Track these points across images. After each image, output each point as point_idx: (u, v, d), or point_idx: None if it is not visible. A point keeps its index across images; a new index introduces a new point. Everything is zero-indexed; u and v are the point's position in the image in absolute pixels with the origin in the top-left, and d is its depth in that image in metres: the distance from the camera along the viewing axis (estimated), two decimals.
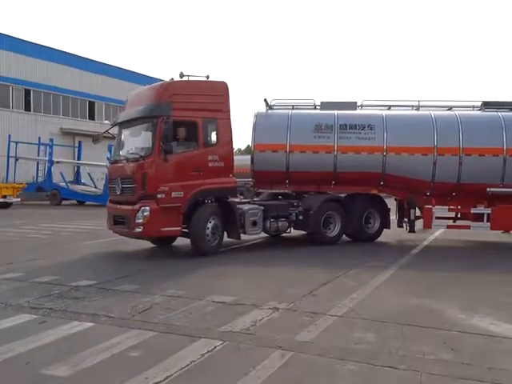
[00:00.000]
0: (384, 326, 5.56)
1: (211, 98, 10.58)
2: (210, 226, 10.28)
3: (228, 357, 4.67)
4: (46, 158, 30.34)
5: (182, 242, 11.35)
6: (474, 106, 12.88)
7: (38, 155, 31.39)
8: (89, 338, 5.19)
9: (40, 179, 31.06)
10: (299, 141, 12.30)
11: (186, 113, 10.17)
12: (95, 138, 11.52)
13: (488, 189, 11.83)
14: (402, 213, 13.44)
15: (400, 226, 13.52)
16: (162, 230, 9.92)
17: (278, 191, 13.34)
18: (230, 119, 10.82)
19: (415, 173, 12.07)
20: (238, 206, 10.98)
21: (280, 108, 13.11)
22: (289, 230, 12.13)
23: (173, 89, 10.16)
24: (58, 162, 30.09)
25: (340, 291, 7.21)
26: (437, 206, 12.17)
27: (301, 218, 11.96)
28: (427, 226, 12.13)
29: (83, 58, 40.09)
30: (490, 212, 11.86)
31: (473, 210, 12.03)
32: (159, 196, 9.77)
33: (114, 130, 11.54)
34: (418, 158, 12.00)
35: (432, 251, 11.73)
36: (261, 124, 12.60)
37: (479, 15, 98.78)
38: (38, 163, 31.68)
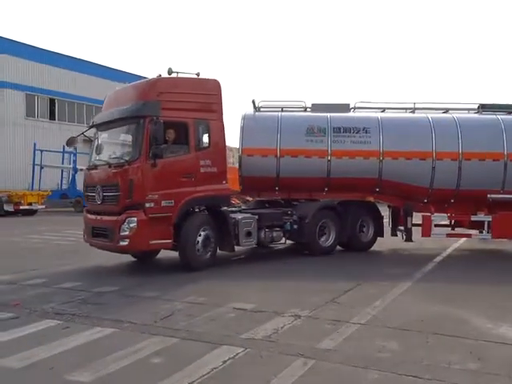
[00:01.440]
0: (408, 334, 5.54)
1: (203, 97, 9.84)
2: (200, 237, 9.51)
3: (250, 364, 4.69)
4: (70, 166, 31.63)
5: (165, 254, 10.51)
6: (469, 109, 12.69)
7: (63, 163, 32.56)
8: (111, 343, 5.28)
9: (64, 187, 32.55)
10: (290, 145, 11.72)
11: (176, 113, 9.38)
12: (69, 141, 10.51)
13: (488, 195, 11.59)
14: (396, 220, 13.06)
15: (394, 234, 13.13)
16: (151, 244, 9.06)
17: (266, 199, 12.71)
18: (222, 120, 10.11)
19: (413, 178, 11.71)
20: (230, 215, 10.24)
21: (268, 110, 12.49)
22: (283, 241, 11.45)
23: (161, 86, 9.35)
24: (81, 170, 29.85)
25: (362, 299, 7.19)
26: (436, 214, 11.81)
27: (295, 227, 11.34)
28: (426, 234, 11.76)
29: (105, 66, 40.52)
30: (490, 219, 11.60)
31: (473, 218, 11.77)
32: (147, 205, 8.93)
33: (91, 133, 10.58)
34: (416, 162, 11.64)
35: (456, 259, 11.53)
36: (249, 127, 11.94)
37: (473, 17, 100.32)
38: (62, 171, 33.00)
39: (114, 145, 10.09)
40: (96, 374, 4.46)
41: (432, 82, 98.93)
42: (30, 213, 26.25)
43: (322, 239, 11.77)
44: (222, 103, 10.13)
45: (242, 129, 11.87)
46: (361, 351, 5.00)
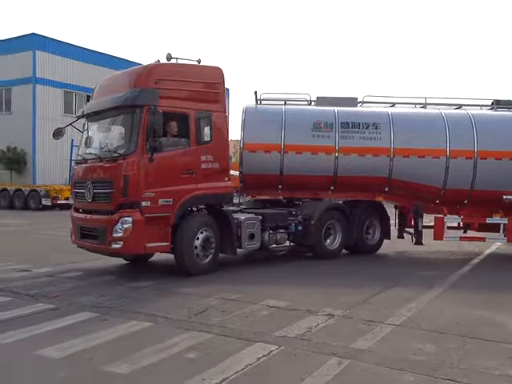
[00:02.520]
0: (444, 337, 5.45)
1: (204, 86, 9.05)
2: (199, 239, 8.73)
3: (284, 362, 4.71)
4: None
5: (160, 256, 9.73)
6: (482, 105, 12.09)
7: None
8: (147, 337, 5.39)
9: None
10: (295, 140, 10.99)
11: (175, 103, 8.58)
12: (56, 133, 9.63)
13: (504, 196, 10.99)
14: (403, 222, 12.43)
15: (401, 236, 12.51)
16: (147, 247, 8.25)
17: (267, 198, 11.97)
18: (225, 112, 9.33)
19: (425, 178, 11.06)
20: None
21: (271, 103, 11.75)
22: (287, 243, 10.70)
23: (159, 73, 8.53)
24: None
25: (396, 300, 7.11)
26: (449, 216, 11.18)
27: (300, 228, 10.61)
28: (438, 237, 11.11)
29: (139, 63, 39.04)
30: (506, 222, 10.99)
31: (488, 220, 11.15)
32: (144, 204, 8.13)
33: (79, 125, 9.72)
34: (429, 161, 10.98)
35: (493, 263, 11.15)
36: (250, 121, 11.18)
37: (486, 12, 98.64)
38: None
39: (107, 137, 9.24)
40: (133, 366, 4.54)
41: (442, 77, 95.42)
42: (67, 207, 26.27)
43: (328, 241, 11.07)
44: (224, 94, 9.37)
45: (244, 123, 11.11)
46: (396, 353, 4.95)
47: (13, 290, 7.60)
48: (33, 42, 33.39)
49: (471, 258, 11.28)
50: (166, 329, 5.67)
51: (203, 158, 8.88)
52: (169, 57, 8.68)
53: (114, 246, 8.10)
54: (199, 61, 9.09)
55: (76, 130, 9.64)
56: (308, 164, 10.91)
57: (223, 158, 9.26)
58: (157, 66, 8.66)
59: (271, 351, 4.94)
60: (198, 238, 8.70)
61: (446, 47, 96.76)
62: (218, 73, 9.27)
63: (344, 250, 11.50)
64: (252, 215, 9.92)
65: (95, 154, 8.91)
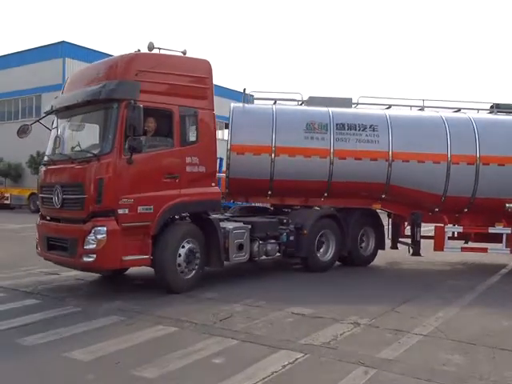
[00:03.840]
0: (473, 348, 5.34)
1: (190, 80, 8.05)
2: (183, 251, 7.74)
3: (310, 370, 4.67)
4: None
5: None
6: (481, 109, 11.41)
7: None
8: (173, 342, 5.40)
9: None
10: (287, 142, 10.07)
11: (158, 97, 7.58)
12: (21, 130, 8.49)
13: (507, 204, 10.27)
14: (397, 231, 11.63)
15: (395, 247, 11.69)
16: (124, 260, 7.20)
17: (254, 204, 11.04)
18: (213, 110, 8.34)
19: (425, 184, 10.26)
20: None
21: (260, 102, 10.83)
22: (277, 255, 9.75)
23: (140, 63, 7.50)
24: None
25: (424, 309, 6.98)
26: (449, 225, 10.41)
27: (292, 238, 9.68)
28: (439, 248, 10.33)
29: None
30: (509, 232, 10.27)
31: (491, 230, 10.41)
32: (121, 211, 7.09)
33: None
34: (430, 166, 10.19)
35: None
36: (238, 120, 10.22)
37: (482, 15, 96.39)
38: None
39: (79, 135, 8.19)
40: (160, 370, 4.55)
41: (439, 79, 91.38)
42: None
43: (321, 252, 10.18)
44: (213, 89, 8.38)
45: (231, 122, 10.15)
46: (424, 363, 4.85)
47: (41, 292, 7.65)
48: (63, 50, 33.33)
49: (499, 268, 10.91)
50: (192, 334, 5.68)
51: (188, 160, 7.88)
52: (151, 46, 7.67)
53: (86, 259, 7.04)
54: (184, 52, 8.10)
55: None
56: (301, 168, 10.01)
57: (210, 160, 8.27)
58: (137, 55, 7.63)
59: (297, 359, 4.88)
60: (180, 251, 7.71)
61: (443, 49, 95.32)
62: (205, 66, 8.29)
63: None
64: (240, 224, 8.96)
65: (65, 155, 7.83)
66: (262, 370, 4.58)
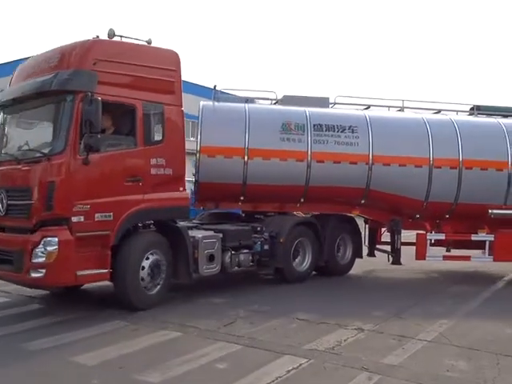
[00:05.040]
0: (477, 354, 5.31)
1: (156, 72, 7.16)
2: (147, 264, 6.86)
3: (313, 375, 4.64)
4: None
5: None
6: (462, 111, 10.89)
7: None
8: (177, 347, 5.40)
9: None
10: (261, 144, 9.27)
11: (119, 90, 6.69)
12: None
13: (490, 210, 9.73)
14: (374, 238, 10.99)
15: (372, 254, 11.04)
16: (78, 276, 6.25)
17: (223, 211, 10.18)
18: (181, 106, 7.48)
19: (406, 189, 9.62)
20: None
21: (230, 100, 10.02)
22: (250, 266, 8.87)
23: (98, 52, 6.59)
24: None
25: (428, 316, 6.95)
26: (431, 233, 9.80)
27: (266, 248, 8.87)
28: (420, 256, 9.70)
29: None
30: (492, 239, 9.74)
31: (473, 237, 9.86)
32: (75, 219, 6.18)
33: None
34: (411, 170, 9.56)
35: None
36: (208, 120, 9.36)
37: (462, 16, 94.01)
38: None
39: (28, 133, 7.19)
40: (163, 375, 4.54)
41: (417, 80, 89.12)
42: None
43: (296, 262, 9.40)
44: (181, 83, 7.52)
45: (201, 122, 9.28)
46: (428, 369, 4.83)
47: (46, 297, 7.60)
48: None
49: (504, 275, 10.66)
50: (196, 339, 5.62)
51: (153, 161, 7.00)
52: (111, 33, 6.76)
53: (34, 274, 6.08)
54: (150, 41, 7.22)
55: None
56: (276, 172, 9.21)
57: (178, 162, 7.40)
58: (96, 42, 6.71)
59: (301, 364, 4.85)
60: (144, 264, 6.83)
61: (421, 49, 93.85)
62: (173, 57, 7.43)
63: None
64: (211, 233, 8.10)
65: (11, 155, 6.82)
66: (266, 375, 4.56)
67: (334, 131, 9.43)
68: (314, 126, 9.41)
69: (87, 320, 6.32)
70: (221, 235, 8.06)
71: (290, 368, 4.73)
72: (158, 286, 7.04)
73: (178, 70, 7.43)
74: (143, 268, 6.80)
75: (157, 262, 6.98)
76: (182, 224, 7.56)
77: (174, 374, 4.54)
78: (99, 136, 6.18)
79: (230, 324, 6.24)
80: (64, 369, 4.74)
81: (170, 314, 6.66)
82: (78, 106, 6.18)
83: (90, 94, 6.14)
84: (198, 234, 7.82)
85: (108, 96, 6.45)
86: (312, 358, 5.02)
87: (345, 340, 5.66)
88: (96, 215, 6.32)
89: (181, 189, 7.43)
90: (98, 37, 6.75)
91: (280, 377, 4.52)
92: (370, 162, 9.40)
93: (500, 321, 6.78)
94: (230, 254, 8.15)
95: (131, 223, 6.82)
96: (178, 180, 7.38)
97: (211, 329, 6.01)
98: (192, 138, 10.53)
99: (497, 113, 10.74)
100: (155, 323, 6.20)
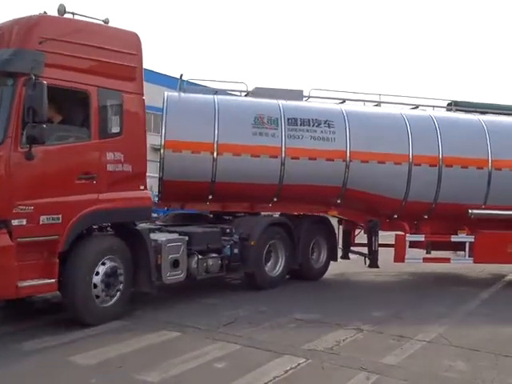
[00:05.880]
0: (476, 354, 5.30)
1: (114, 56, 6.28)
2: (101, 271, 6.01)
3: (312, 375, 4.63)
4: None
5: None
6: (438, 106, 10.40)
7: None
8: (176, 346, 5.33)
9: None
10: (232, 139, 8.51)
11: (70, 74, 5.81)
12: None
13: (470, 210, 9.25)
14: (348, 240, 10.37)
15: (346, 257, 10.42)
16: (20, 287, 5.32)
17: (190, 211, 9.38)
18: (143, 95, 6.62)
19: (385, 188, 9.04)
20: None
21: (197, 91, 9.22)
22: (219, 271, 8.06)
23: (45, 29, 5.67)
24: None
25: (427, 316, 6.93)
26: (411, 234, 9.22)
27: (236, 251, 8.11)
28: (399, 259, 9.10)
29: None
30: (472, 240, 9.24)
31: (453, 238, 9.34)
32: (15, 223, 5.28)
33: None
34: (390, 168, 8.98)
35: None
36: (174, 112, 8.53)
37: (440, 11, 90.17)
38: None
39: None
40: (162, 375, 4.49)
41: (393, 74, 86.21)
42: None
43: (269, 266, 8.68)
44: (142, 69, 6.67)
45: (165, 114, 8.45)
46: (426, 369, 4.82)
47: (45, 296, 7.16)
48: None
49: (504, 275, 10.58)
50: (195, 339, 5.58)
51: (110, 156, 6.14)
52: (62, 9, 5.86)
53: None
54: (107, 21, 6.33)
55: None
56: (247, 169, 8.47)
57: (139, 157, 6.55)
58: (43, 18, 5.79)
59: (299, 364, 4.83)
60: (98, 272, 5.97)
61: (397, 43, 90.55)
62: (133, 40, 6.56)
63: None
64: (175, 235, 7.27)
65: None
66: (265, 374, 4.53)
67: (309, 126, 8.74)
68: (288, 119, 8.69)
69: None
70: (186, 238, 7.23)
71: (289, 368, 4.70)
72: (115, 298, 6.18)
73: (139, 54, 6.57)
74: (96, 278, 5.94)
75: (113, 269, 6.12)
76: (142, 226, 6.72)
77: (172, 374, 4.52)
78: (45, 126, 5.27)
79: (229, 324, 6.20)
80: (62, 369, 4.66)
81: (169, 314, 6.59)
82: (20, 91, 5.27)
83: (33, 77, 5.23)
84: (161, 237, 6.99)
85: (57, 80, 5.57)
86: (310, 357, 4.99)
87: (343, 340, 5.62)
88: (41, 218, 5.43)
89: (141, 187, 6.56)
90: (45, 13, 5.84)
91: (278, 376, 4.49)
92: (348, 158, 8.76)
93: (499, 321, 6.75)
94: (196, 258, 7.34)
95: (84, 226, 5.94)
96: (138, 177, 6.52)
97: (210, 328, 5.94)
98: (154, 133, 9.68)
99: (475, 109, 10.29)
100: (154, 323, 6.10)
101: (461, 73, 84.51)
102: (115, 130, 6.26)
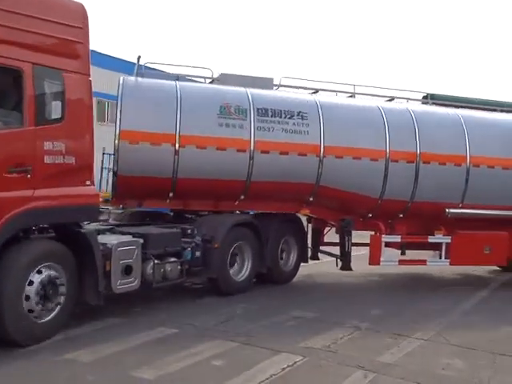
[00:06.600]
0: (474, 353, 5.23)
1: (54, 28, 5.20)
2: (36, 281, 4.97)
3: (309, 373, 4.58)
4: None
5: None
6: (414, 99, 9.69)
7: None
8: (173, 344, 5.23)
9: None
10: (195, 130, 7.53)
11: None
12: None
13: (447, 210, 8.57)
14: (318, 239, 9.52)
15: (315, 257, 9.58)
16: None
17: (148, 209, 8.34)
18: (89, 76, 5.56)
19: (361, 185, 8.25)
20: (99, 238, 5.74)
21: (157, 77, 8.19)
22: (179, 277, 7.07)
23: None
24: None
25: (425, 314, 6.84)
26: (387, 235, 8.46)
27: (198, 255, 7.14)
28: (374, 261, 8.33)
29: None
30: (449, 241, 8.55)
31: (430, 239, 8.62)
32: None
33: None
34: (366, 164, 8.19)
35: None
36: (130, 99, 7.48)
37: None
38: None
39: None
40: (159, 372, 4.41)
41: (365, 63, 78.79)
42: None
43: (234, 270, 7.75)
44: (88, 45, 5.59)
45: (120, 101, 7.38)
46: (423, 368, 4.74)
47: None
48: None
49: (501, 274, 10.49)
50: (193, 336, 5.47)
51: (48, 146, 5.07)
52: None
53: None
54: None
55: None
56: (213, 163, 7.50)
57: (83, 148, 5.48)
58: None
59: (296, 362, 4.76)
60: (32, 281, 4.92)
61: (371, 32, 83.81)
62: (78, 11, 5.47)
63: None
64: (128, 237, 6.25)
65: None
66: (262, 372, 4.48)
67: (280, 117, 7.84)
68: (258, 110, 7.76)
69: (81, 317, 5.81)
70: (141, 241, 6.21)
71: (286, 366, 4.64)
72: (54, 312, 5.14)
73: (85, 28, 5.49)
74: (29, 289, 4.88)
75: (51, 278, 5.08)
76: (89, 228, 5.66)
77: (169, 371, 4.45)
78: None
79: (226, 321, 6.11)
80: (58, 366, 4.54)
81: (166, 311, 6.48)
82: None
83: None
84: (112, 239, 5.94)
85: None
86: (308, 355, 4.93)
87: (341, 338, 5.56)
88: None
89: (87, 182, 5.51)
90: None
91: (275, 374, 4.44)
92: (321, 153, 7.91)
93: (496, 320, 6.68)
94: (152, 263, 6.32)
95: (16, 228, 4.88)
96: (83, 171, 5.46)
97: (208, 326, 5.86)
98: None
99: (452, 103, 9.61)
100: (151, 320, 5.97)
101: (435, 65, 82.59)
102: (54, 115, 5.21)
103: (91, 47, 5.61)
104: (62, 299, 5.22)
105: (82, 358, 4.70)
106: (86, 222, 5.85)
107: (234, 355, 4.93)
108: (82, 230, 5.50)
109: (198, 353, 4.91)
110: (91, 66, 5.58)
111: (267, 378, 4.33)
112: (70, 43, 5.34)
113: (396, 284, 9.37)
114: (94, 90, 5.57)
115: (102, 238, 5.84)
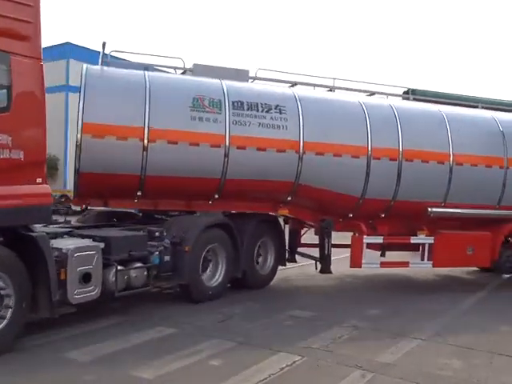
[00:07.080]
0: (471, 353, 5.16)
1: (0, 6, 4.46)
2: None
3: (307, 373, 4.53)
4: None
5: None
6: (395, 95, 9.22)
7: None
8: (172, 343, 5.18)
9: None
10: (166, 123, 6.86)
11: None
12: None
13: (429, 209, 8.11)
14: (295, 242, 8.93)
15: (292, 259, 8.98)
16: None
17: (114, 209, 7.63)
18: (41, 60, 4.85)
19: (342, 183, 7.71)
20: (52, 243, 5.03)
21: (124, 66, 7.46)
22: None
23: None
24: None
25: (423, 314, 6.73)
26: (369, 236, 7.92)
27: (167, 259, 6.47)
28: (356, 263, 7.79)
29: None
30: (432, 242, 8.08)
31: (413, 240, 8.14)
32: None
33: None
34: (348, 161, 7.65)
35: None
36: (94, 89, 6.77)
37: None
38: None
39: None
40: (158, 371, 4.37)
41: (345, 57, 79.68)
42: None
43: (206, 276, 7.10)
44: (40, 25, 4.87)
45: (84, 91, 6.65)
46: (421, 367, 4.69)
47: None
48: (67, 51, 29.16)
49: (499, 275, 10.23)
50: (191, 336, 5.39)
51: None
52: None
53: None
54: None
55: None
56: (185, 160, 6.86)
57: (34, 141, 4.78)
58: None
59: (294, 361, 4.69)
60: None
61: (351, 25, 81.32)
62: None
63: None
64: (88, 241, 5.55)
65: None
66: (260, 372, 4.40)
67: (257, 111, 7.22)
68: (234, 103, 7.13)
69: (79, 317, 5.66)
70: (102, 245, 5.52)
71: (284, 365, 4.59)
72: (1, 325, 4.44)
73: (36, 6, 4.77)
74: None
75: None
76: (40, 232, 4.94)
77: (167, 370, 4.40)
78: None
79: (225, 321, 6.05)
80: (56, 365, 4.48)
81: (166, 310, 6.41)
82: None
83: None
84: (68, 244, 5.24)
85: None
86: (306, 355, 4.87)
87: (339, 337, 5.51)
88: None
89: (38, 180, 4.80)
90: None
91: (273, 374, 4.39)
92: (301, 150, 7.33)
93: (494, 320, 6.60)
94: (114, 270, 5.62)
95: None
96: (33, 168, 4.75)
97: (206, 326, 5.81)
98: None
99: (434, 98, 9.14)
100: (151, 320, 5.91)
101: (415, 60, 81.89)
102: (0, 104, 4.46)
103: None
104: (8, 313, 4.52)
105: (78, 357, 4.66)
106: (40, 225, 5.16)
107: (232, 355, 4.86)
108: (33, 234, 4.77)
109: (196, 352, 4.85)
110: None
111: (265, 378, 4.28)
112: (20, 23, 4.65)
113: (394, 284, 9.07)
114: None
115: (57, 243, 5.15)
